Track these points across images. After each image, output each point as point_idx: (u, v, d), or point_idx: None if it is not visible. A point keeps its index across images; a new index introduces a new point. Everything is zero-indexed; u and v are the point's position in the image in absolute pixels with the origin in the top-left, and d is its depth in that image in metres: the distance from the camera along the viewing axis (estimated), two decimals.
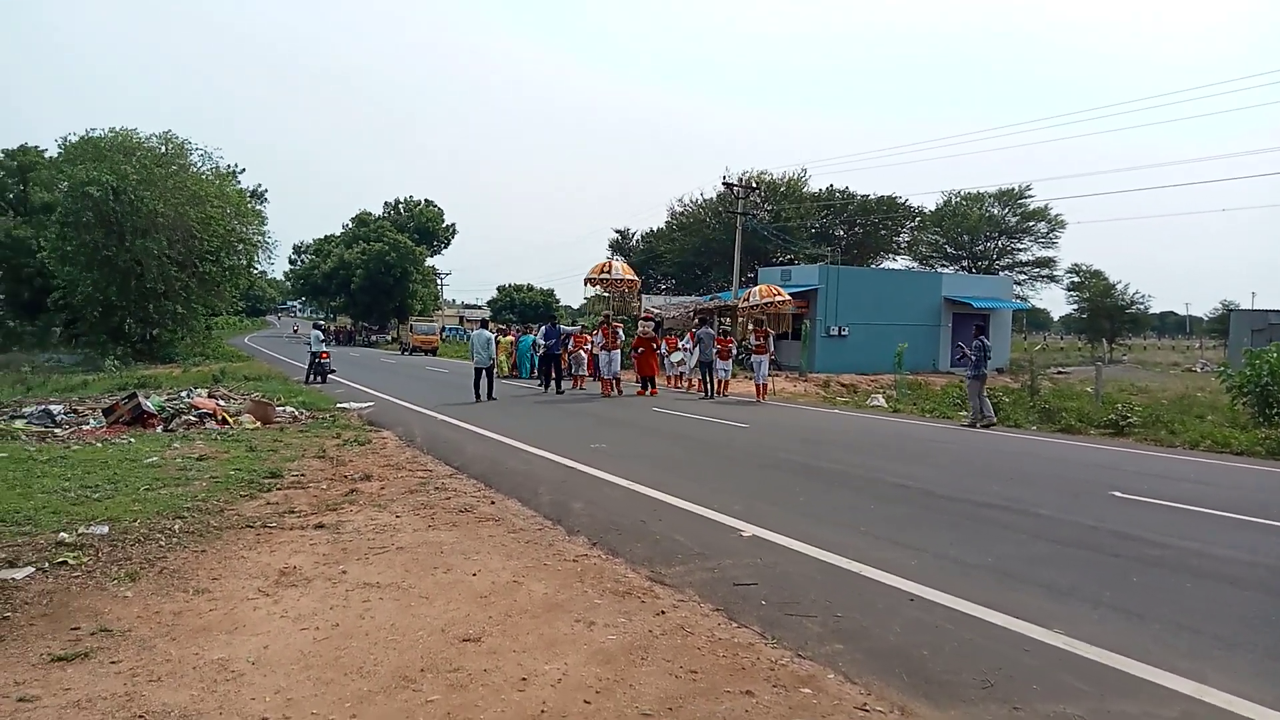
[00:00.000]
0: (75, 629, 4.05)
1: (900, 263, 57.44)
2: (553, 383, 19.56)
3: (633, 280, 21.11)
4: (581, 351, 20.56)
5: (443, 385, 21.90)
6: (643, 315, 22.29)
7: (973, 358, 14.73)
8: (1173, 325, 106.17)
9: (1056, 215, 54.54)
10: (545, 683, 3.47)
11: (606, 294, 21.64)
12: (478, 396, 16.88)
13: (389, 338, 65.51)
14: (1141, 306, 54.51)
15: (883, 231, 53.79)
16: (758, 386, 18.88)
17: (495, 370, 17.99)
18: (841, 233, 53.09)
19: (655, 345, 20.36)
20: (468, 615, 4.28)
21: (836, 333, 32.33)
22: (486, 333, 17.97)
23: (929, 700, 3.43)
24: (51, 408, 11.98)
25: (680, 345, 22.53)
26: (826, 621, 4.31)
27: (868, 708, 3.35)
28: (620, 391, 19.04)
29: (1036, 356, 40.08)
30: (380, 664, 3.65)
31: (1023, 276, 56.66)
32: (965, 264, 56.70)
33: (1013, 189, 54.23)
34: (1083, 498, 7.95)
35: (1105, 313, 52.92)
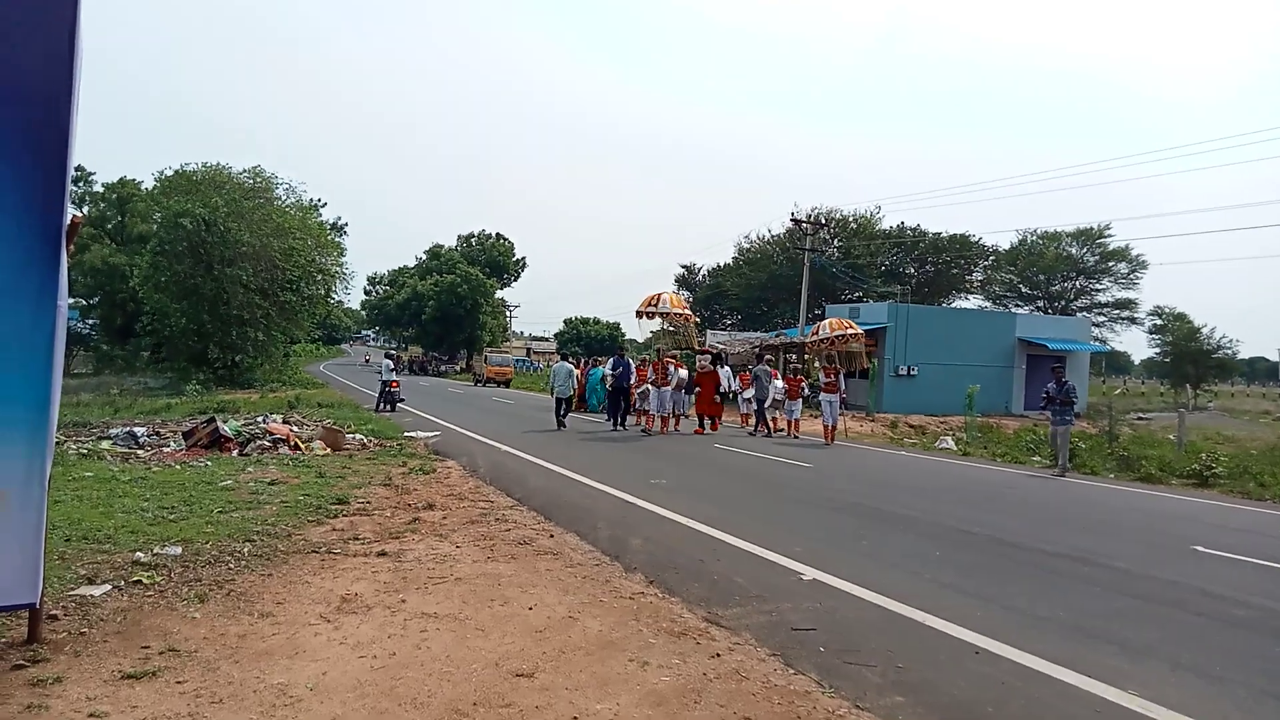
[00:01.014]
0: (145, 647, 4.17)
1: (973, 302, 56.33)
2: (619, 417, 18.74)
3: (685, 313, 20.54)
4: (648, 386, 19.54)
5: (509, 416, 22.16)
6: (702, 349, 21.62)
7: (1058, 400, 13.96)
8: (1263, 371, 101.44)
9: (1138, 255, 52.96)
10: None
11: (672, 327, 21.53)
12: (560, 425, 18.03)
13: (458, 368, 66.71)
14: (1229, 351, 52.27)
15: (955, 270, 52.90)
16: (825, 428, 17.95)
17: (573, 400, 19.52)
18: (912, 271, 52.36)
19: (716, 382, 19.68)
20: (522, 650, 4.29)
21: (905, 372, 31.80)
22: (568, 365, 19.52)
23: None
24: (136, 430, 12.48)
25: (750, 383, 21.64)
26: (887, 672, 4.19)
27: None
28: (673, 429, 18.41)
29: (1115, 401, 38.76)
30: (434, 695, 3.67)
31: (1101, 318, 55.00)
32: (1041, 304, 55.31)
33: (1091, 228, 52.91)
34: (1162, 551, 7.61)
35: (1189, 357, 50.91)
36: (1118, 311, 55.40)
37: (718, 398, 19.58)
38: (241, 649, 4.21)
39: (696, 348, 22.96)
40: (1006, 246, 56.11)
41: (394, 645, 4.31)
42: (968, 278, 54.99)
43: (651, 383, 17.96)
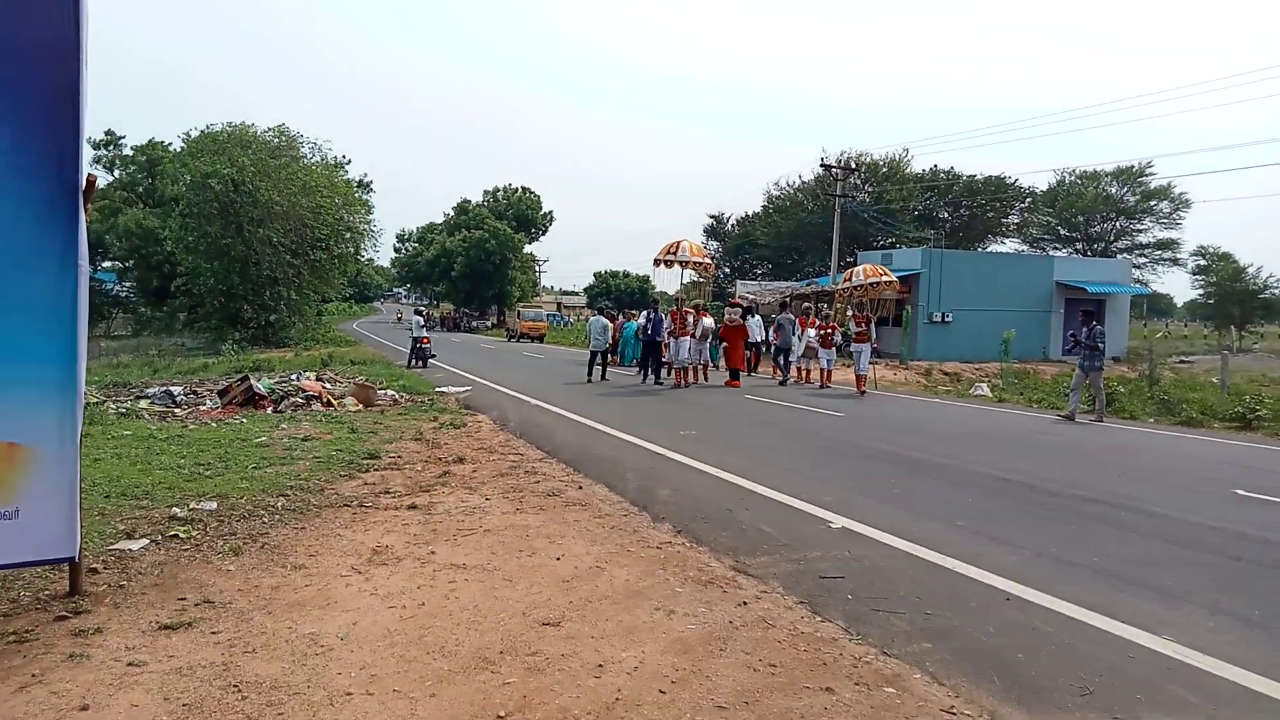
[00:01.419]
0: (182, 599, 4.26)
1: (1009, 246, 55.23)
2: (651, 372, 18.28)
3: (705, 261, 19.61)
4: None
5: (539, 371, 22.25)
6: (732, 301, 20.99)
7: (1085, 345, 13.43)
8: None
9: (1180, 194, 51.27)
10: (621, 670, 3.46)
11: (701, 278, 21.01)
12: (590, 378, 18.38)
13: (489, 324, 67.01)
14: (1276, 291, 50.81)
15: (990, 213, 51.74)
16: (858, 377, 17.37)
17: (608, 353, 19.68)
18: (946, 215, 51.36)
19: (746, 335, 19.21)
20: (549, 599, 4.31)
21: (940, 319, 31.38)
22: (603, 319, 19.85)
23: (1022, 706, 3.26)
24: (172, 389, 12.71)
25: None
26: (915, 619, 4.16)
27: (955, 710, 3.21)
28: (694, 381, 17.83)
29: (1157, 345, 37.99)
30: (462, 644, 3.70)
31: (1143, 260, 53.61)
32: (1079, 247, 54.05)
33: (1132, 166, 51.30)
34: (1202, 495, 7.46)
35: (1234, 298, 49.63)
36: (1159, 252, 53.95)
37: (748, 351, 19.18)
38: (274, 600, 4.28)
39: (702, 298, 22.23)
40: (1044, 188, 54.76)
41: (423, 596, 4.36)
42: (1003, 221, 53.77)
43: (670, 333, 17.50)
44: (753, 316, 21.75)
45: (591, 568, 4.89)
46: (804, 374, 19.42)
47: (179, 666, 3.46)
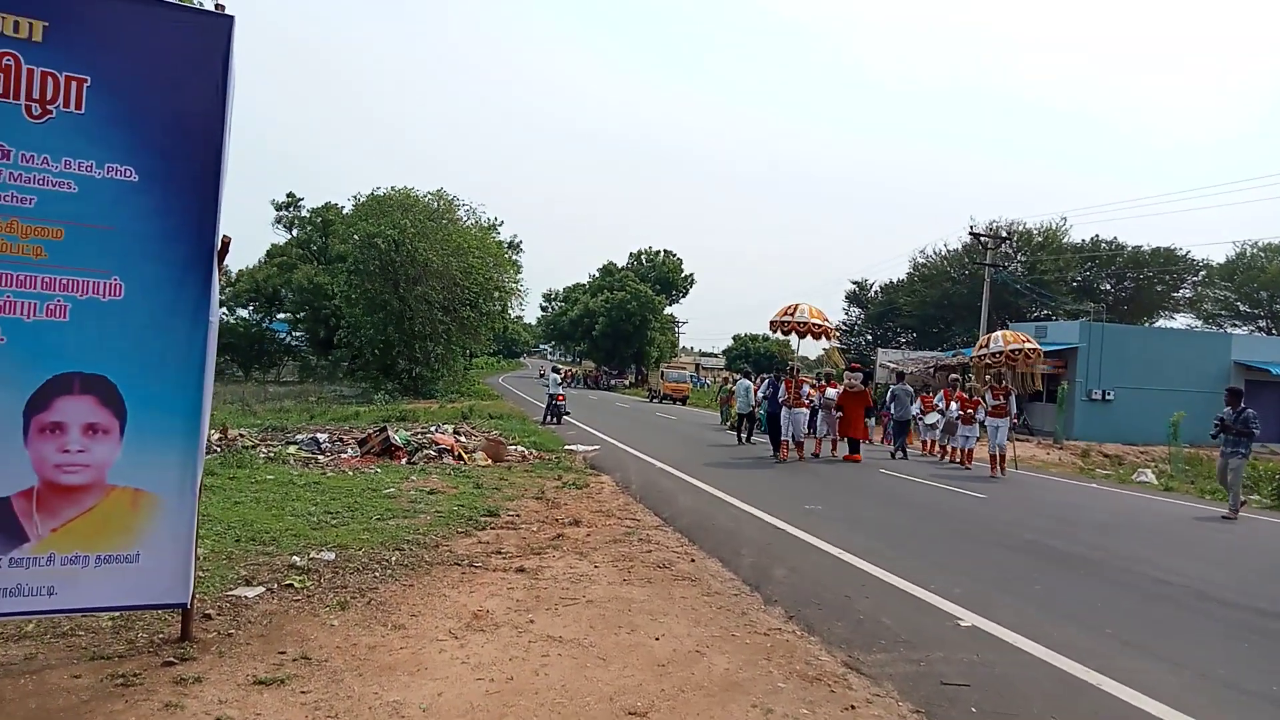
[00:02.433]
0: (282, 653, 4.30)
1: (1180, 322, 51.25)
2: (778, 447, 16.20)
3: (824, 325, 17.64)
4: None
5: (671, 432, 22.18)
6: (851, 366, 19.14)
7: (1235, 430, 11.72)
8: None
9: None
10: None
11: (839, 345, 20.24)
12: (739, 440, 18.81)
13: (626, 383, 67.89)
14: None
15: (1159, 287, 48.31)
16: (992, 457, 15.67)
17: (755, 415, 19.32)
18: (1108, 287, 48.30)
19: (866, 404, 17.55)
20: (640, 684, 4.09)
21: (1100, 396, 29.29)
22: (748, 382, 19.69)
23: None
24: (319, 436, 13.37)
25: (934, 405, 19.40)
26: None
27: None
28: (825, 453, 17.00)
29: None
30: None
31: None
32: (1263, 324, 49.52)
33: None
34: None
35: None
36: None
37: (870, 421, 17.74)
38: (368, 661, 4.26)
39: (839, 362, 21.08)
40: (1220, 260, 50.75)
41: (513, 669, 4.23)
42: (1173, 295, 50.06)
43: (784, 403, 15.98)
44: (900, 385, 20.42)
45: (691, 651, 4.63)
46: (945, 452, 18.09)
47: None
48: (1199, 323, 51.41)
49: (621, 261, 78.74)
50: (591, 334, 69.27)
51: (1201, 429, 27.29)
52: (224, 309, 53.50)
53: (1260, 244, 49.71)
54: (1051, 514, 11.20)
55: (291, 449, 12.50)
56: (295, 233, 52.43)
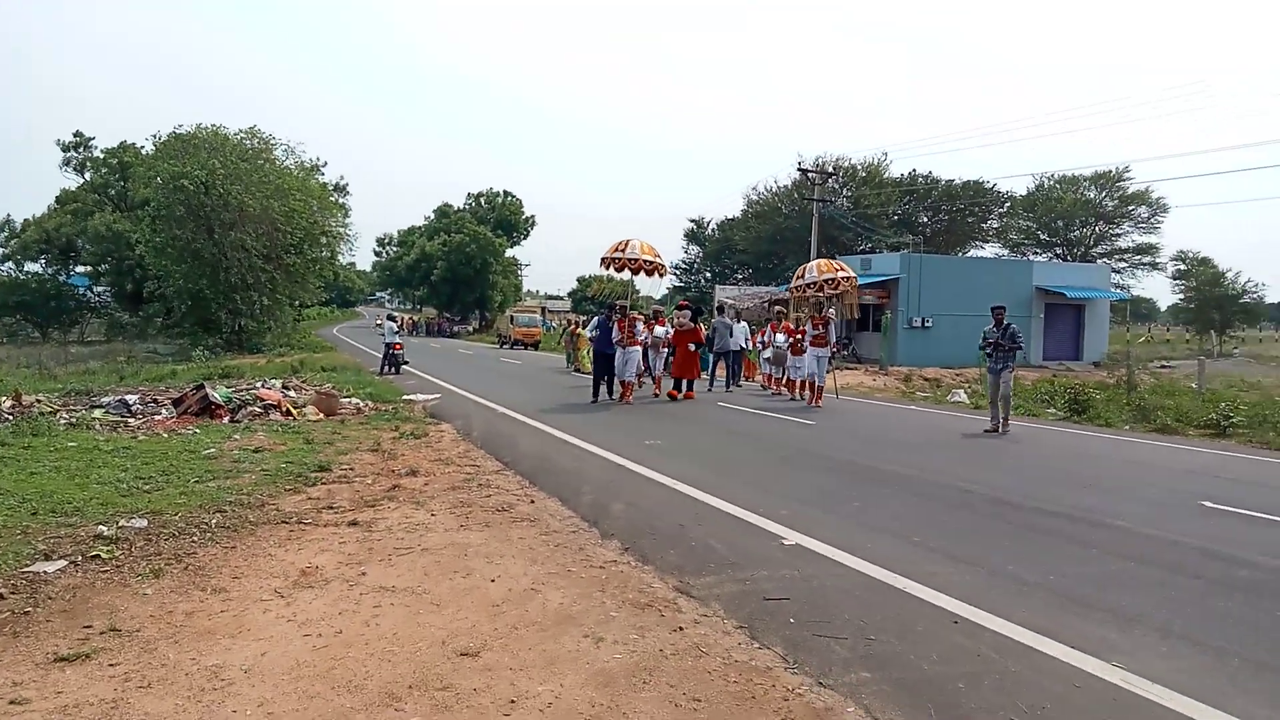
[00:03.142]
0: (87, 627, 4.02)
1: (989, 250, 55.40)
2: (599, 388, 15.63)
3: (657, 261, 16.85)
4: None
5: (514, 378, 22.03)
6: (681, 304, 18.11)
7: (1005, 346, 12.01)
8: None
9: (1159, 199, 51.69)
10: (534, 706, 3.25)
11: (651, 276, 17.12)
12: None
13: (470, 329, 66.61)
14: (1255, 296, 51.10)
15: (969, 218, 51.92)
16: (809, 385, 15.72)
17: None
18: (925, 220, 51.47)
19: (694, 339, 16.60)
20: (474, 626, 4.10)
21: (919, 324, 31.33)
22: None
23: None
24: (128, 398, 12.39)
25: (763, 338, 19.49)
26: (857, 645, 3.98)
27: None
28: (659, 395, 16.33)
29: (1139, 349, 38.09)
30: (371, 678, 3.49)
31: (1122, 264, 53.97)
32: (1059, 251, 54.32)
33: (1110, 171, 51.62)
34: (1168, 508, 7.34)
35: (1214, 303, 49.82)
36: (1139, 257, 54.33)
37: (695, 352, 16.54)
38: (185, 627, 4.05)
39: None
40: (1023, 192, 55.02)
41: (343, 622, 4.14)
42: (983, 225, 53.99)
43: (617, 342, 15.36)
44: (738, 323, 20.84)
45: (526, 590, 4.68)
46: (776, 384, 18.27)
47: (64, 704, 3.23)
48: (1005, 251, 55.74)
49: (459, 203, 76.50)
50: (430, 279, 67.24)
51: None
52: (9, 263, 48.29)
53: (1056, 176, 54.21)
54: (872, 436, 11.99)
55: (97, 413, 11.52)
56: (89, 176, 47.59)
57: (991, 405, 12.34)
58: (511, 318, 47.38)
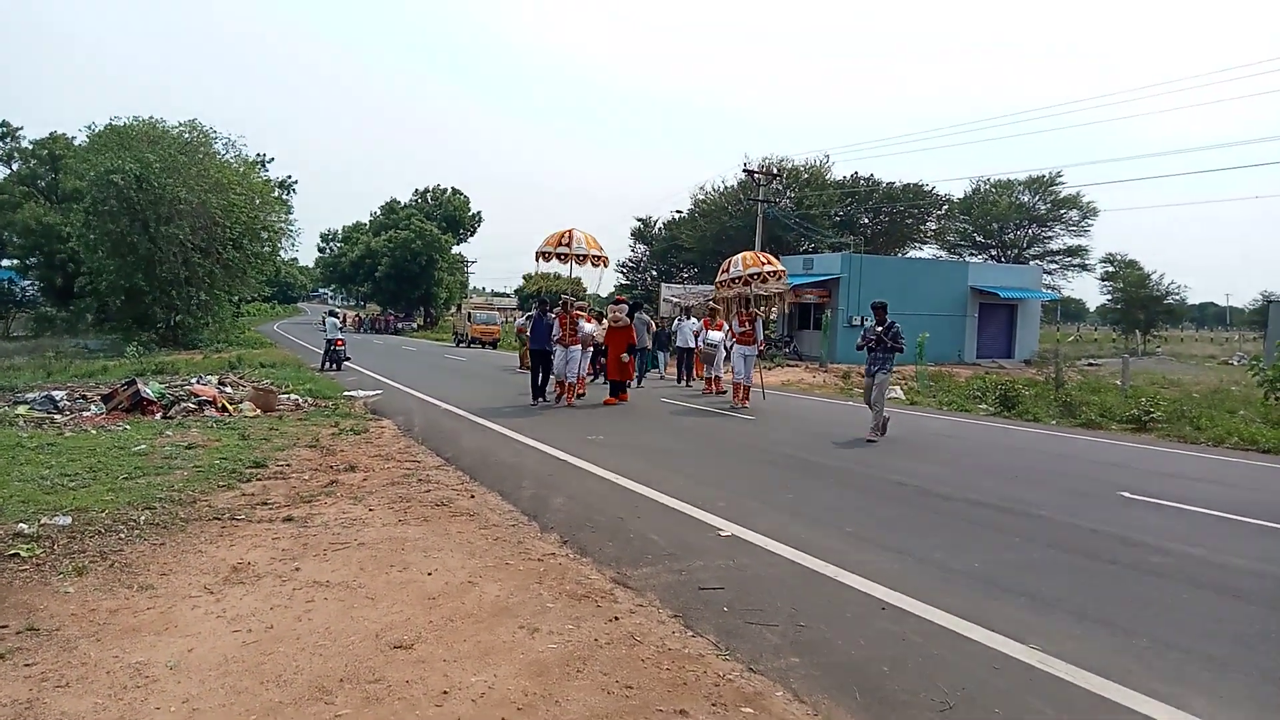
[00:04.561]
0: (3, 627, 3.91)
1: (927, 251, 56.52)
2: (541, 391, 14.61)
3: (600, 255, 15.90)
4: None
5: (459, 374, 21.84)
6: (617, 299, 16.82)
7: (886, 345, 10.98)
8: (1212, 317, 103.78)
9: (1089, 202, 53.31)
10: (467, 697, 3.26)
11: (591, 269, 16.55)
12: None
13: (414, 325, 65.72)
14: (1178, 297, 53.06)
15: (909, 220, 52.85)
16: (736, 385, 15.02)
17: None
18: (866, 221, 52.25)
19: (629, 340, 15.26)
20: (408, 619, 4.09)
21: (859, 322, 31.80)
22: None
23: None
24: (55, 394, 11.99)
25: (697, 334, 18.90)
26: (788, 632, 4.07)
27: None
28: (581, 396, 15.00)
29: (1068, 348, 39.28)
30: (301, 672, 3.46)
31: (1054, 266, 55.54)
32: (995, 253, 55.69)
33: (1043, 176, 53.10)
34: (1088, 498, 7.61)
35: (1139, 303, 51.59)
36: (1069, 259, 55.91)
37: (625, 357, 15.16)
38: (109, 625, 3.97)
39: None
40: (960, 195, 56.28)
41: (274, 617, 4.10)
42: (921, 227, 55.05)
43: (558, 340, 14.41)
44: (687, 319, 20.58)
45: (463, 583, 4.68)
46: (710, 382, 17.58)
47: None
48: (943, 252, 56.94)
49: (405, 199, 75.44)
50: (375, 276, 66.18)
51: (945, 348, 30.69)
52: None
53: (992, 180, 55.57)
54: (810, 431, 12.18)
55: (21, 409, 11.14)
56: (16, 167, 45.77)
57: (872, 408, 11.24)
58: (469, 315, 43.82)
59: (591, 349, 15.86)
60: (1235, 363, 35.72)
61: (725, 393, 16.57)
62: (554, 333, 14.38)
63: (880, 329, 11.00)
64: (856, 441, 10.95)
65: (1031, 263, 51.01)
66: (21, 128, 46.29)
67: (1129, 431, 13.29)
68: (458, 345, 41.67)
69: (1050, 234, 55.87)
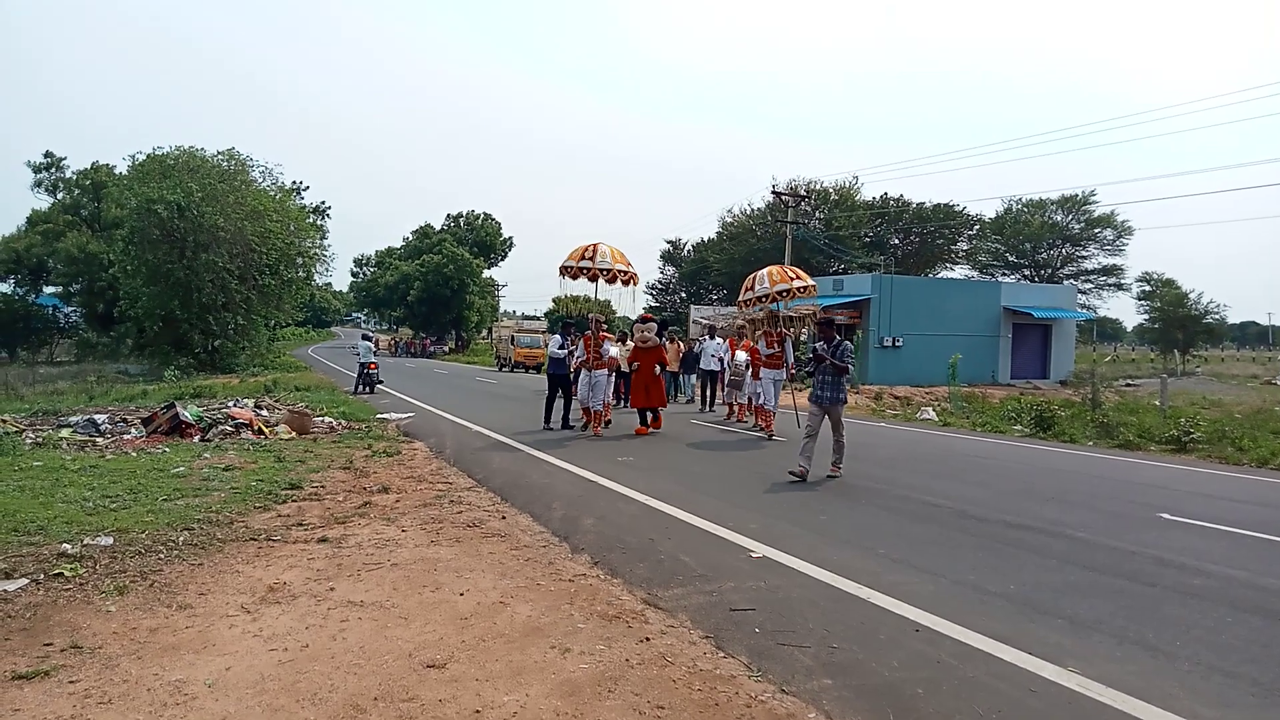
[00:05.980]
0: (48, 645, 4.00)
1: (959, 272, 56.13)
2: (550, 416, 13.97)
3: (629, 271, 14.69)
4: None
5: (490, 397, 21.98)
6: (642, 316, 15.29)
7: (831, 364, 9.40)
8: (1254, 336, 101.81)
9: (1123, 221, 52.79)
10: (499, 716, 3.28)
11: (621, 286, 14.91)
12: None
13: (446, 349, 66.34)
14: (1217, 316, 52.10)
15: (940, 240, 52.65)
16: (762, 412, 13.64)
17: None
18: (896, 241, 52.11)
19: (659, 361, 13.84)
20: (441, 639, 4.12)
21: (890, 343, 31.65)
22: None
23: None
24: (96, 417, 12.25)
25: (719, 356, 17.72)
26: (820, 653, 4.04)
27: None
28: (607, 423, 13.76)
29: (1105, 368, 38.67)
30: (336, 690, 3.50)
31: (1089, 285, 54.92)
32: (1027, 273, 55.18)
33: (1076, 195, 52.66)
34: (1127, 520, 7.48)
35: (1177, 323, 50.75)
36: (1104, 278, 55.34)
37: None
38: (149, 644, 4.04)
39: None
40: (991, 215, 55.95)
41: (310, 636, 4.14)
42: (952, 248, 54.74)
43: (583, 363, 13.38)
44: (711, 339, 19.24)
45: (495, 603, 4.70)
46: (733, 409, 16.12)
47: None
48: (974, 273, 56.53)
49: (439, 224, 76.54)
50: (407, 300, 67.03)
51: (978, 369, 30.37)
52: None
53: (1024, 200, 55.19)
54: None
55: (65, 432, 11.40)
56: (61, 196, 47.10)
57: (805, 440, 9.40)
58: (513, 338, 41.59)
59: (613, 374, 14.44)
60: (1279, 383, 34.93)
61: (746, 421, 15.37)
62: (577, 354, 13.48)
63: (828, 347, 9.54)
64: (889, 463, 10.86)
65: (1066, 282, 50.45)
66: (65, 158, 47.78)
67: (1168, 453, 13.04)
68: (500, 369, 40.40)
69: (1084, 253, 55.31)
